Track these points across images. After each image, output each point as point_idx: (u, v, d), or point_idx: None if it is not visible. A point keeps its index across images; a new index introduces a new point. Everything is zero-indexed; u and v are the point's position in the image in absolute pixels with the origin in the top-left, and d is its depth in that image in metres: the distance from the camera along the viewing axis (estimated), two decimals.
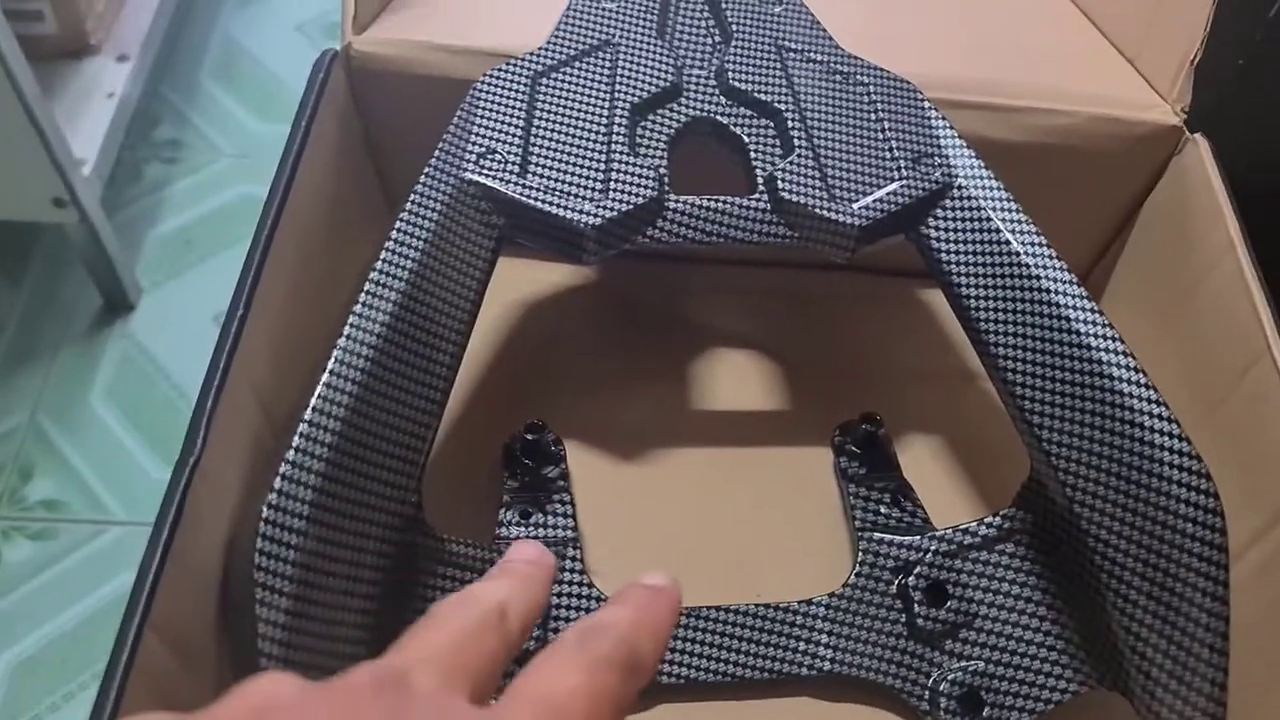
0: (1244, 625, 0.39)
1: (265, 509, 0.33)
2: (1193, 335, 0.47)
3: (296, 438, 0.34)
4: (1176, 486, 0.37)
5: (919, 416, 0.51)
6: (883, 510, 0.45)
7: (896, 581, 0.43)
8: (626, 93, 0.44)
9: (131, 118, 1.06)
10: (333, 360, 0.36)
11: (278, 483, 0.34)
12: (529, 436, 0.45)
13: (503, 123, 0.43)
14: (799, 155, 0.43)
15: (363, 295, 0.37)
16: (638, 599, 0.26)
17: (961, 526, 0.43)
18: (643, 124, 0.44)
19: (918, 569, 0.42)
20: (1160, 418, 0.38)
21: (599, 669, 0.23)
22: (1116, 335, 0.40)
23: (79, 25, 1.03)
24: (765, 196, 0.43)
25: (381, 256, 0.38)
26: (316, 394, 0.35)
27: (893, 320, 0.55)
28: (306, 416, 0.35)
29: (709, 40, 0.48)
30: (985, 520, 0.43)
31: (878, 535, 0.44)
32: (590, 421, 0.49)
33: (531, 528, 0.43)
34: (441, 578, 0.39)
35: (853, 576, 0.43)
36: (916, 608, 0.42)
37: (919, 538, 0.43)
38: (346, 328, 0.37)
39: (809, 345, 0.54)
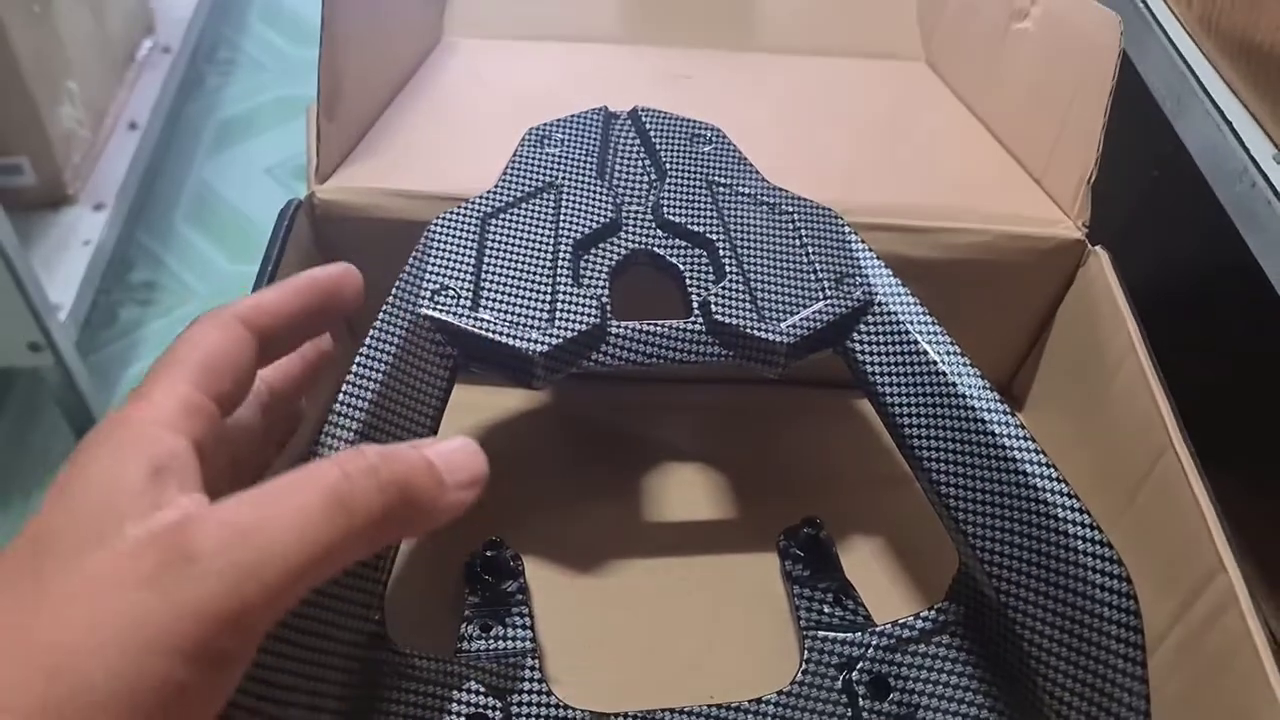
0: (1169, 702, 0.41)
1: None
2: (1106, 432, 0.50)
3: None
4: (1093, 574, 0.40)
5: (858, 519, 0.53)
6: (826, 609, 0.48)
7: (841, 677, 0.45)
8: (570, 230, 0.48)
9: (107, 263, 1.09)
10: None
11: None
12: (488, 553, 0.48)
13: (455, 261, 0.46)
14: (730, 280, 0.47)
15: (325, 427, 0.40)
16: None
17: (900, 621, 0.45)
18: (585, 257, 0.48)
19: (860, 664, 0.44)
20: (1074, 509, 0.41)
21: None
22: (1029, 436, 0.43)
23: (57, 177, 1.08)
24: (700, 319, 0.46)
25: (342, 389, 0.41)
26: None
27: (829, 430, 0.58)
28: None
29: (645, 178, 0.52)
30: (921, 614, 0.45)
31: (822, 633, 0.46)
32: (547, 537, 0.51)
33: (492, 640, 0.45)
34: (406, 691, 0.41)
35: (800, 674, 0.45)
36: (861, 701, 0.43)
37: (861, 634, 0.45)
38: (311, 458, 0.39)
39: (751, 456, 0.57)
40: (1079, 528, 0.40)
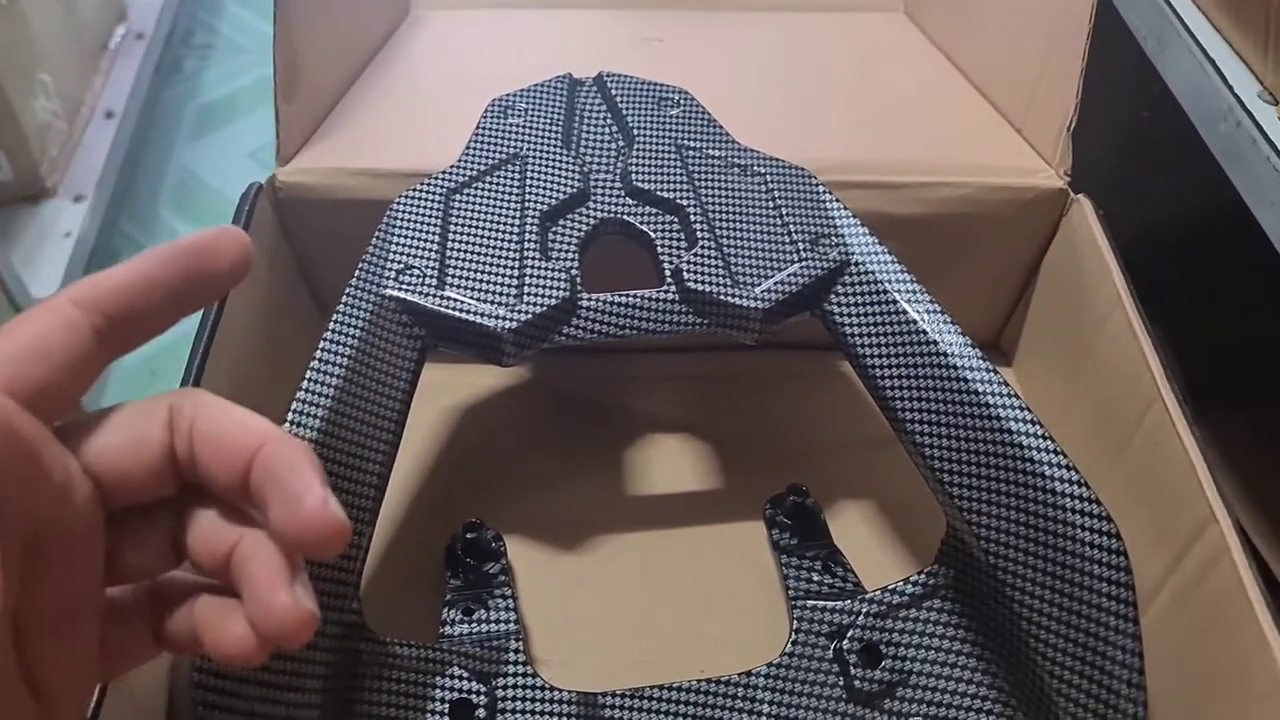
0: (1163, 658, 0.40)
1: None
2: (1094, 385, 0.49)
3: None
4: (1082, 532, 0.39)
5: (844, 484, 0.52)
6: (814, 578, 0.47)
7: (832, 646, 0.44)
8: (536, 202, 0.47)
9: (90, 254, 1.08)
10: None
11: None
12: (468, 535, 0.47)
13: (419, 239, 0.45)
14: (702, 246, 0.46)
15: (290, 415, 0.39)
16: None
17: (890, 587, 0.44)
18: (553, 229, 0.47)
19: (850, 632, 0.44)
20: (1060, 466, 0.40)
21: None
22: (1013, 393, 0.42)
23: (34, 171, 1.06)
24: (673, 288, 0.45)
25: (307, 374, 0.40)
26: None
27: (812, 393, 0.57)
28: None
29: (613, 145, 0.50)
30: (910, 579, 0.44)
31: (811, 602, 0.45)
32: (528, 515, 0.51)
33: (475, 623, 0.45)
34: (386, 680, 0.40)
35: (789, 645, 0.44)
36: (853, 670, 0.43)
37: (850, 601, 0.45)
38: None
39: (735, 424, 0.56)
40: (1066, 485, 0.40)
